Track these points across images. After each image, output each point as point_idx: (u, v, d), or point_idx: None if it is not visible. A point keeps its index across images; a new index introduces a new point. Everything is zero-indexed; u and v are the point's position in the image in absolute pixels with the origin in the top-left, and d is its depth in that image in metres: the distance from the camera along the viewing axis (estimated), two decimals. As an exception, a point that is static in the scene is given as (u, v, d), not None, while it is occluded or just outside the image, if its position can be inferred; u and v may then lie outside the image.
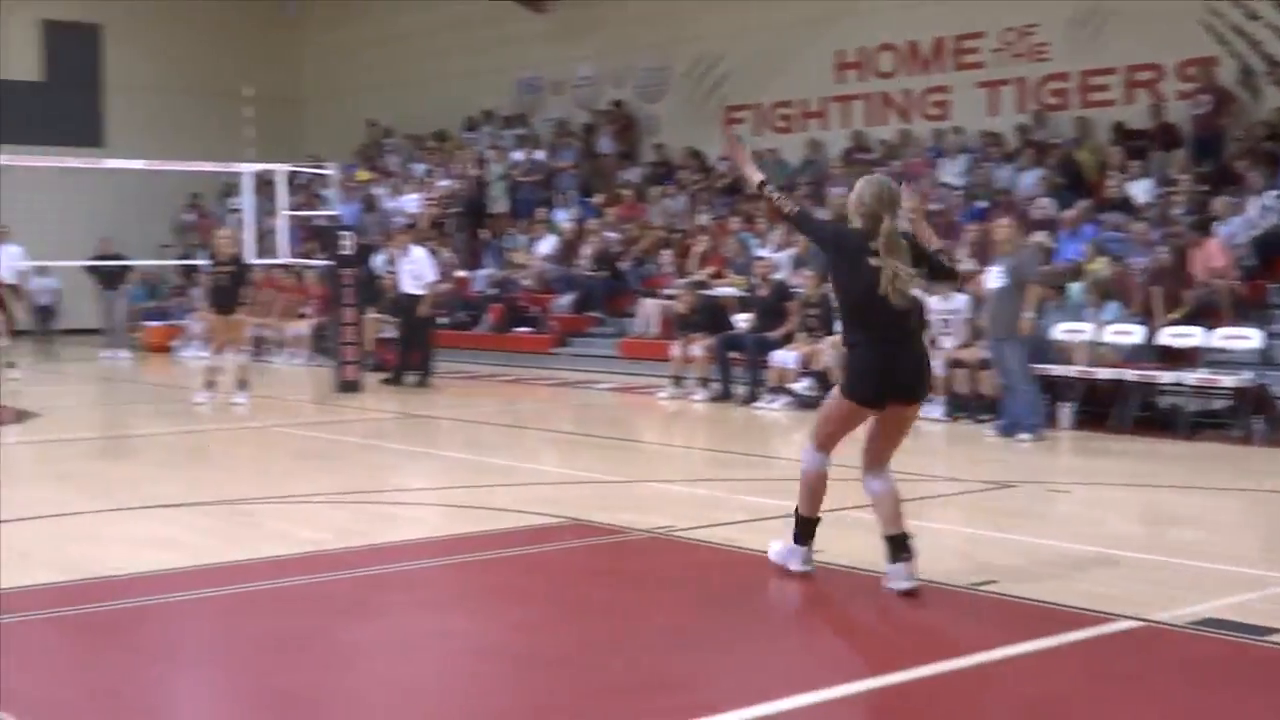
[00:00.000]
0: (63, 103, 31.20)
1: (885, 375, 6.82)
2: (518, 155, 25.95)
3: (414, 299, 18.42)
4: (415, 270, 18.52)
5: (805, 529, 7.21)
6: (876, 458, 7.02)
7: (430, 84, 29.58)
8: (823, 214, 16.11)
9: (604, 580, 7.50)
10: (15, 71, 30.73)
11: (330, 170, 22.08)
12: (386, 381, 18.29)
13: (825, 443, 7.10)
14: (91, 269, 24.32)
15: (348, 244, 17.89)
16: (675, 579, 7.43)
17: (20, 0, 30.64)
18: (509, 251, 23.97)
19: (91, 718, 5.26)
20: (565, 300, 22.08)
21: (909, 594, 6.78)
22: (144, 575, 7.44)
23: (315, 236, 24.58)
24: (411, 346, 18.66)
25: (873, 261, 6.72)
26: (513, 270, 23.27)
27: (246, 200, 19.14)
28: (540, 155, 25.85)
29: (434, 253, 22.29)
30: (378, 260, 21.32)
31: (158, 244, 29.75)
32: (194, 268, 25.63)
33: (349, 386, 17.64)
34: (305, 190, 26.64)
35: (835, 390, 7.14)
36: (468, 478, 11.08)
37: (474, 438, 13.79)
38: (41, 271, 26.08)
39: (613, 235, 22.53)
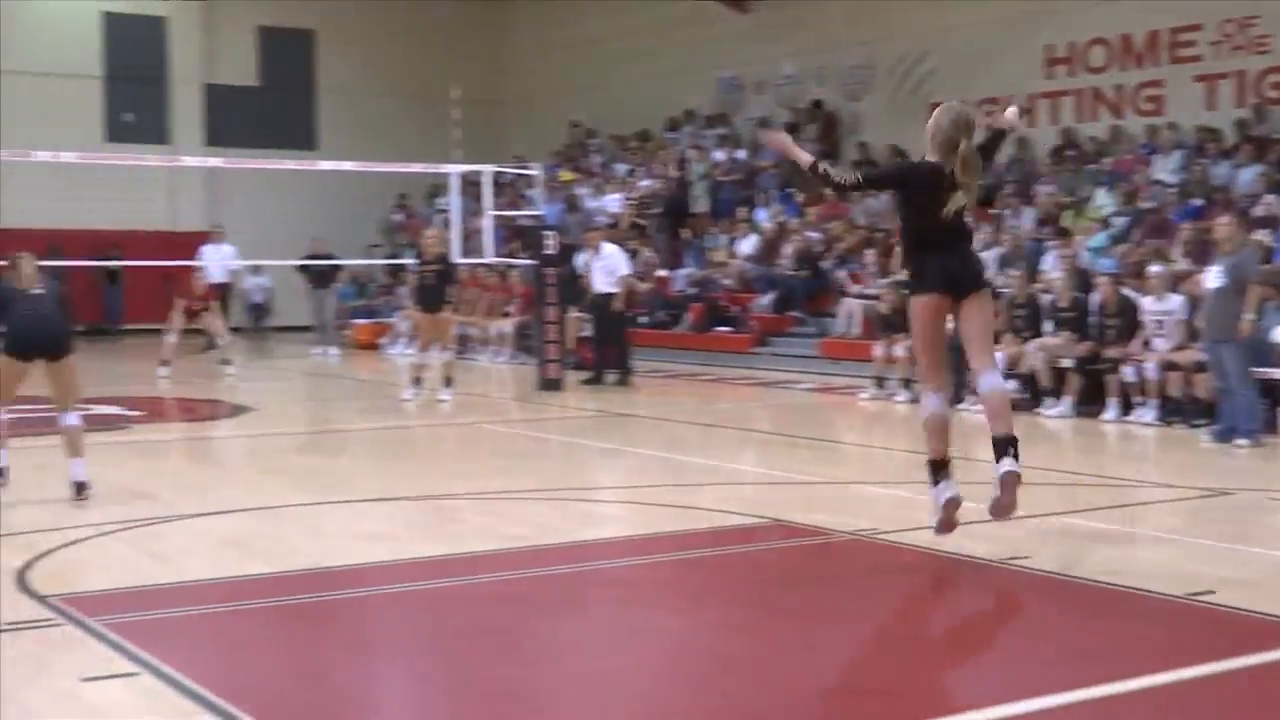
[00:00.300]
0: (277, 106, 32.22)
1: (947, 273, 7.34)
2: (719, 155, 25.95)
3: (607, 297, 18.53)
4: (607, 268, 18.64)
5: (934, 470, 7.49)
6: (975, 358, 7.44)
7: (632, 84, 29.75)
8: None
9: (807, 582, 7.41)
10: (232, 76, 31.83)
11: (535, 171, 22.33)
12: (587, 382, 18.42)
13: (929, 373, 7.56)
14: (303, 268, 25.02)
15: (551, 243, 18.06)
16: (878, 582, 7.32)
17: (237, 7, 31.70)
18: (710, 251, 23.97)
19: (304, 705, 5.37)
20: (766, 300, 21.99)
21: (1011, 477, 7.04)
22: (354, 567, 7.59)
23: (519, 236, 24.93)
24: (606, 344, 18.78)
25: (944, 187, 7.21)
26: (713, 270, 23.26)
27: (453, 201, 19.46)
28: (742, 154, 25.80)
29: (633, 253, 22.43)
30: (579, 260, 21.49)
31: (366, 244, 30.48)
32: (401, 267, 26.24)
33: (551, 385, 17.81)
34: (510, 190, 27.01)
35: (911, 308, 7.55)
36: (668, 477, 11.09)
37: (674, 437, 13.80)
38: (255, 270, 26.92)
39: (814, 234, 22.37)
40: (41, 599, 6.70)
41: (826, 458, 12.66)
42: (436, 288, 16.38)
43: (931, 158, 7.33)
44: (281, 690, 5.49)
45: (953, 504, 7.42)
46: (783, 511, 9.11)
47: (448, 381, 16.36)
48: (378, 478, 10.93)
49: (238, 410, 15.91)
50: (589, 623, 6.58)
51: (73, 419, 9.83)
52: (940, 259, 7.37)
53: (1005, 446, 7.12)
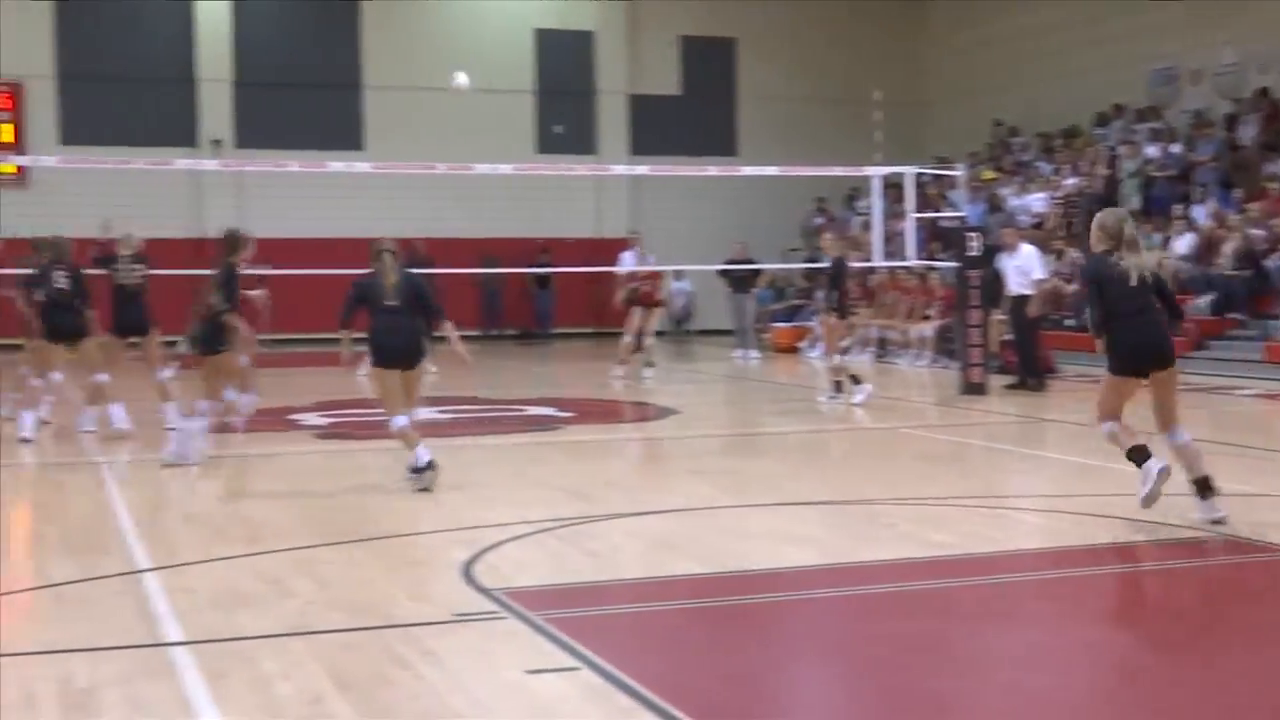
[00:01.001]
0: (698, 114, 32.87)
1: (1138, 349, 8.55)
2: (1152, 150, 24.82)
3: (1022, 300, 18.01)
4: (1022, 269, 18.10)
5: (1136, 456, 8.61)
6: (1164, 420, 8.66)
7: (1058, 80, 28.85)
8: None
9: (1260, 602, 6.97)
10: (655, 86, 32.65)
11: (957, 171, 21.94)
12: (1009, 387, 17.92)
13: (1106, 413, 8.81)
14: (723, 273, 25.41)
15: (974, 245, 17.69)
16: (1341, 605, 6.81)
17: (661, 19, 32.52)
18: (1141, 250, 22.94)
19: (730, 705, 5.40)
20: (1203, 301, 20.90)
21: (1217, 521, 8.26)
22: (782, 570, 7.62)
23: (938, 238, 24.55)
24: (1024, 348, 18.25)
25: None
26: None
27: (874, 203, 19.32)
28: (1176, 149, 24.61)
29: (1058, 254, 21.73)
30: (1002, 261, 20.95)
31: (785, 247, 30.71)
32: (819, 270, 26.24)
33: (973, 389, 17.44)
34: (931, 191, 26.67)
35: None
36: (1094, 485, 10.66)
37: (1097, 444, 13.20)
38: (676, 276, 27.52)
39: (1257, 232, 21.10)
40: (486, 592, 7.00)
41: (1274, 468, 11.89)
42: (827, 291, 16.57)
43: None
44: (715, 692, 5.54)
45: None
46: (1227, 526, 8.60)
47: (856, 382, 16.30)
48: (801, 481, 10.96)
49: (665, 412, 16.27)
50: (1023, 635, 6.38)
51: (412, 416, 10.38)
52: (1137, 333, 8.60)
53: (1207, 485, 8.65)
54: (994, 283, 18.97)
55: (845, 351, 17.29)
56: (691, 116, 32.73)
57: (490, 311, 31.49)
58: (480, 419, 15.61)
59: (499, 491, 10.60)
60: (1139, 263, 8.52)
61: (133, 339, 13.82)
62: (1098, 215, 9.06)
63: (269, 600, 6.96)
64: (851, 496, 10.02)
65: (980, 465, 12.39)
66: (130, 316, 13.57)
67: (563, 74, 31.98)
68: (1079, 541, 8.50)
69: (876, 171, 19.20)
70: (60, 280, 13.25)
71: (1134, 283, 8.48)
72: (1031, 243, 19.20)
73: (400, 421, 10.26)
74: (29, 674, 5.73)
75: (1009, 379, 18.36)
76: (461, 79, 16.44)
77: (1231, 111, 24.93)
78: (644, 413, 16.59)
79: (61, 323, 13.23)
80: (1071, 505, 9.76)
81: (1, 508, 9.90)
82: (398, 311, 10.30)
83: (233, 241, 11.99)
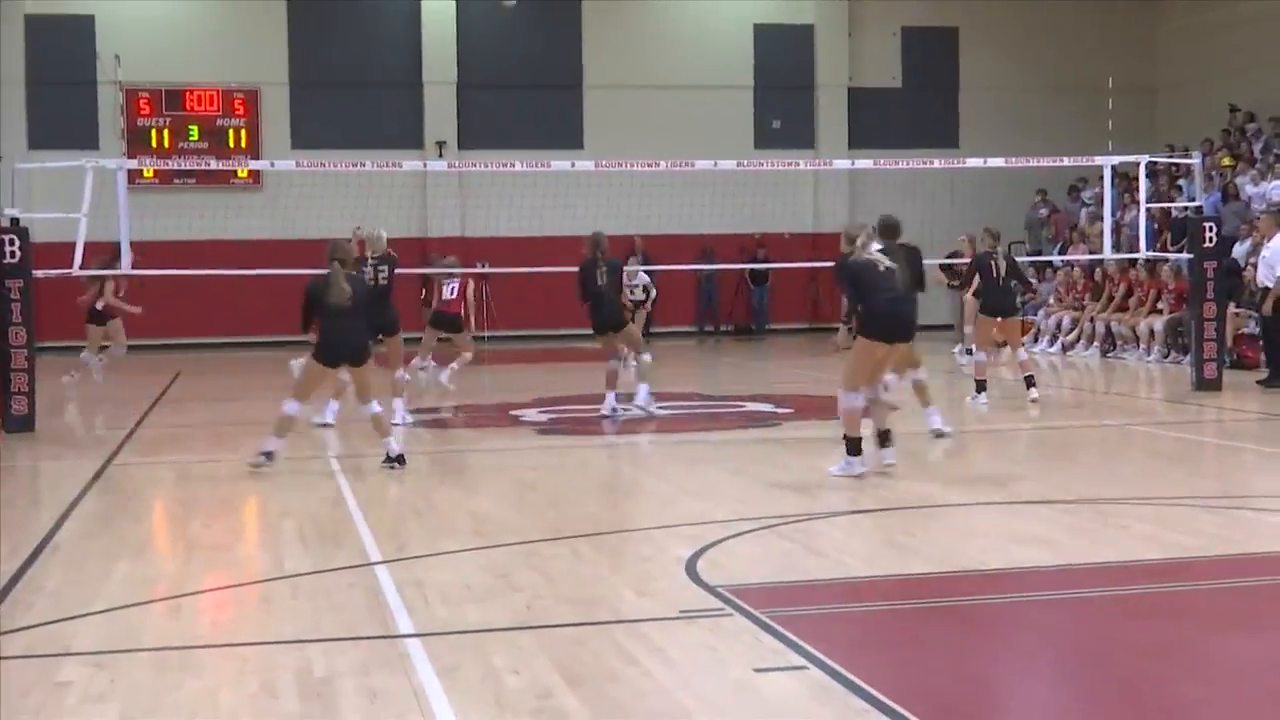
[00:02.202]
0: (918, 106, 32.37)
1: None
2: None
3: (1269, 292, 17.25)
4: (1272, 260, 17.34)
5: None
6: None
7: (1296, 63, 27.65)
8: None
9: None
10: (875, 79, 32.27)
11: (1193, 160, 21.18)
12: (1263, 383, 17.15)
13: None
14: (945, 267, 24.95)
15: (1210, 235, 17.06)
16: None
17: (881, 10, 32.12)
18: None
19: (963, 708, 5.28)
20: None
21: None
22: (1014, 570, 7.44)
23: (1170, 228, 23.75)
24: (1274, 343, 17.50)
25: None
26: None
27: (1106, 193, 18.76)
28: None
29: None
30: (1239, 251, 20.21)
31: (1010, 240, 30.02)
32: (1048, 263, 25.67)
33: (1208, 384, 16.82)
34: (1163, 180, 25.82)
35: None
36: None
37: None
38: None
39: None
40: (711, 589, 6.97)
41: None
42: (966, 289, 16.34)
43: None
44: (947, 695, 5.42)
45: None
46: None
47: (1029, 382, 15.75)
48: (1028, 479, 10.68)
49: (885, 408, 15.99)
50: (1269, 642, 6.10)
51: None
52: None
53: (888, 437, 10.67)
54: (1230, 275, 18.28)
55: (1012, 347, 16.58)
56: (911, 108, 32.24)
57: (707, 308, 31.53)
58: (700, 415, 15.61)
59: (721, 487, 10.57)
60: None
61: (379, 338, 14.11)
62: None
63: (497, 594, 7.04)
64: (1082, 495, 9.72)
65: (1216, 464, 11.95)
66: (379, 316, 13.87)
67: (781, 69, 31.78)
68: (1329, 545, 8.12)
69: (1107, 161, 18.59)
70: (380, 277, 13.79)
71: None
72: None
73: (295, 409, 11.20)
74: (268, 663, 5.89)
75: (1250, 374, 17.63)
76: None
77: None
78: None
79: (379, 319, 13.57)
80: (1319, 506, 9.33)
81: (241, 500, 10.26)
82: (347, 313, 11.09)
83: (594, 242, 14.45)
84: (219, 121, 29.27)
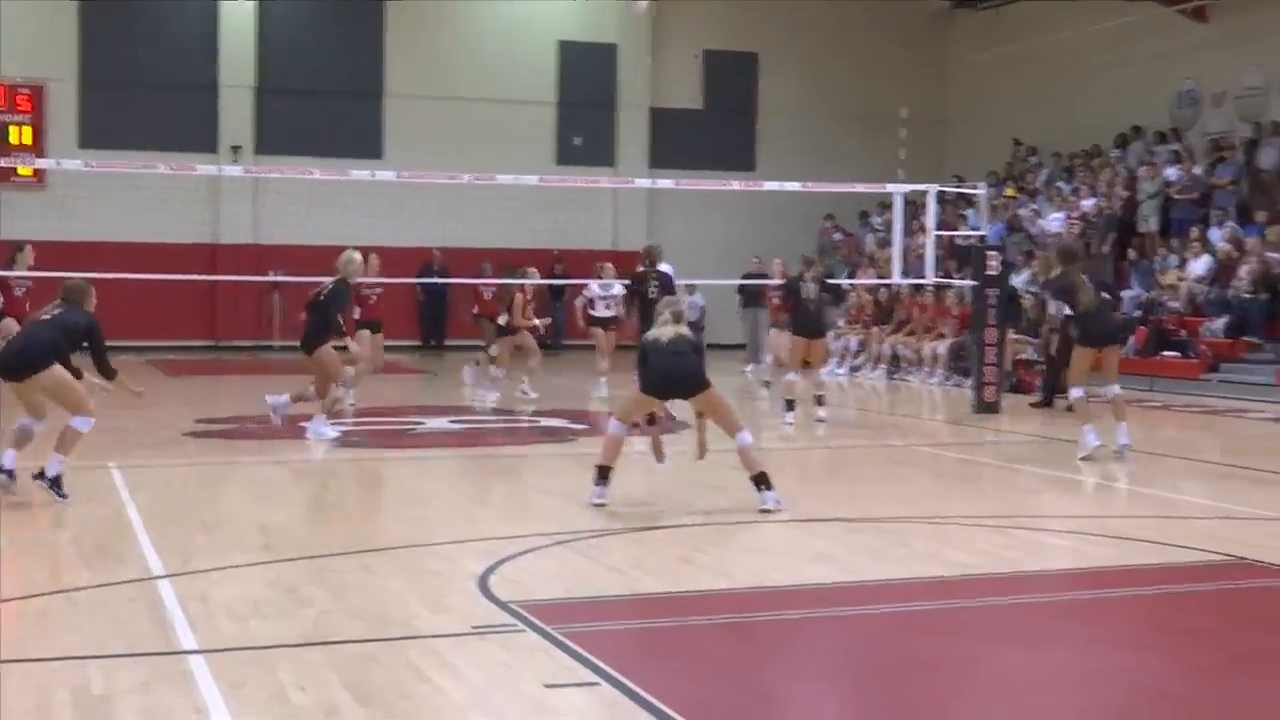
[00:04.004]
0: (718, 129, 32.82)
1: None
2: (1172, 172, 24.73)
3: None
4: None
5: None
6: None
7: (1079, 100, 28.76)
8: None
9: (1282, 629, 6.92)
10: (677, 100, 32.63)
11: (979, 190, 21.90)
12: (1035, 405, 17.82)
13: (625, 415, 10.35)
14: (739, 288, 25.33)
15: (993, 263, 17.66)
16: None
17: (684, 33, 32.51)
18: (1159, 272, 22.89)
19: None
20: (1218, 324, 20.83)
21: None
22: (799, 588, 7.57)
23: (956, 255, 24.49)
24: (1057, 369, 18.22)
25: None
26: (1162, 292, 22.21)
27: (896, 220, 19.28)
28: (1197, 171, 24.53)
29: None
30: (1018, 280, 20.95)
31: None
32: (838, 287, 26.10)
33: (988, 407, 17.40)
34: (950, 210, 26.62)
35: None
36: (1118, 506, 10.63)
37: (1114, 465, 13.16)
38: (690, 289, 27.43)
39: (1274, 256, 21.02)
40: (503, 604, 6.96)
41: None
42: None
43: None
44: (735, 710, 5.50)
45: None
46: (1246, 549, 8.55)
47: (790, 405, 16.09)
48: (817, 498, 10.89)
49: (679, 426, 16.16)
50: (1044, 659, 6.33)
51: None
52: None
53: (765, 480, 9.92)
54: (1010, 302, 18.94)
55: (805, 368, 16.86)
56: (712, 131, 32.67)
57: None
58: (497, 429, 15.58)
59: (516, 503, 10.57)
60: None
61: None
62: None
63: (285, 609, 6.93)
64: (867, 514, 9.96)
65: (995, 484, 12.34)
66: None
67: (585, 86, 31.93)
68: (1098, 563, 8.45)
69: (899, 189, 19.13)
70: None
71: None
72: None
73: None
74: (44, 681, 5.69)
75: (1026, 398, 18.29)
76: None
77: (1252, 136, 24.84)
78: (661, 426, 16.48)
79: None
80: (1088, 526, 9.70)
81: (12, 511, 9.90)
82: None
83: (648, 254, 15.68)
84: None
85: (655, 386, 10.17)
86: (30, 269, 16.79)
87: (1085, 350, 13.20)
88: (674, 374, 10.09)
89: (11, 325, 17.84)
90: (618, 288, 20.82)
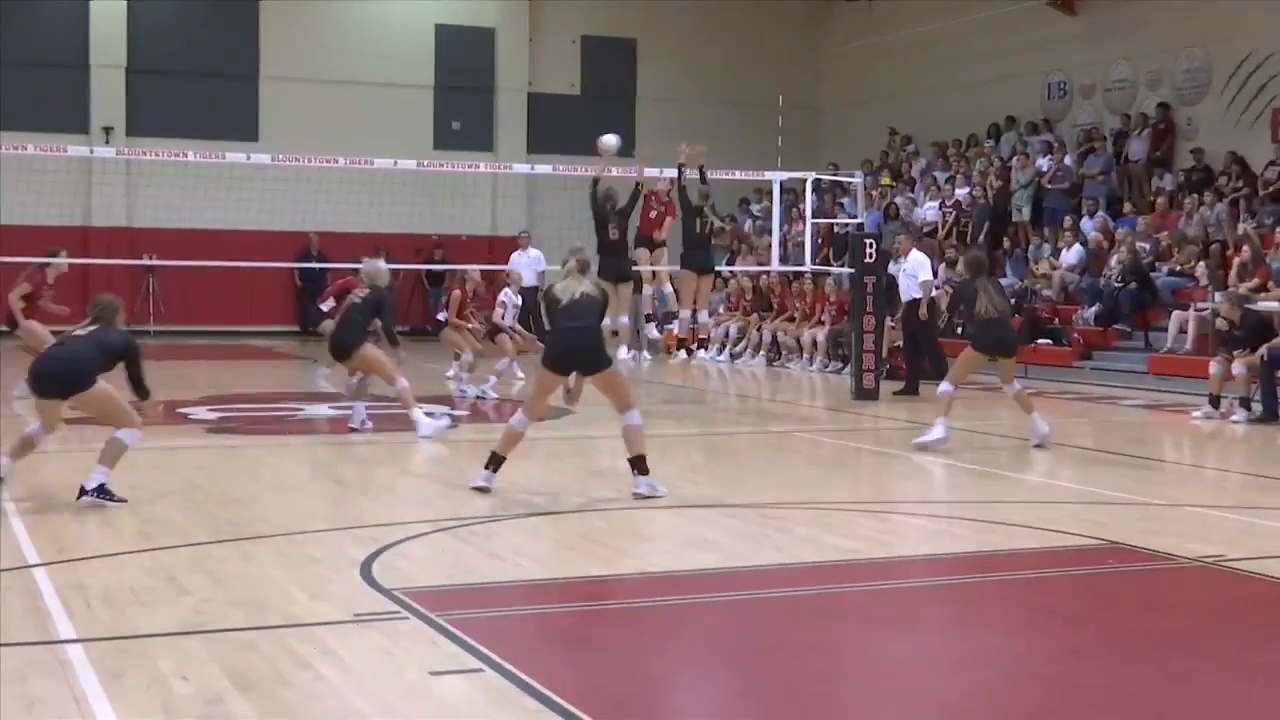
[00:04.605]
0: (597, 114, 32.79)
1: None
2: (1044, 162, 25.23)
3: (913, 305, 18.32)
4: (911, 274, 18.44)
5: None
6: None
7: (953, 90, 29.17)
8: None
9: (1152, 609, 7.12)
10: (555, 85, 32.57)
11: (855, 178, 22.16)
12: (899, 393, 18.13)
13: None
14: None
15: (870, 251, 17.89)
16: (1229, 613, 6.96)
17: (562, 18, 32.45)
18: (1032, 261, 23.36)
19: (634, 706, 5.41)
20: (1090, 312, 21.30)
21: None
22: (681, 574, 7.63)
23: (833, 243, 24.76)
24: (915, 354, 18.55)
25: None
26: (1035, 280, 22.65)
27: (775, 208, 19.45)
28: (1068, 161, 25.04)
29: (953, 262, 22.03)
30: (894, 267, 21.20)
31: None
32: (718, 274, 26.19)
33: (866, 394, 17.63)
34: (827, 198, 26.89)
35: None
36: (993, 492, 10.82)
37: (990, 452, 13.45)
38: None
39: (1144, 245, 21.55)
40: (386, 591, 6.93)
41: (1158, 478, 12.16)
42: None
43: None
44: (620, 695, 5.54)
45: None
46: (1118, 533, 8.78)
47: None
48: (698, 484, 10.99)
49: (560, 412, 16.14)
50: (920, 641, 6.45)
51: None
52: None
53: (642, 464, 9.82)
54: (888, 289, 19.22)
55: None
56: (590, 116, 32.58)
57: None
58: (375, 416, 15.44)
59: (397, 489, 10.52)
60: None
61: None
62: None
63: (163, 597, 6.84)
64: (748, 500, 10.05)
65: (872, 470, 12.52)
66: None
67: (463, 70, 31.74)
68: (974, 547, 8.62)
69: (778, 176, 19.32)
70: None
71: None
72: (924, 250, 19.45)
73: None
74: (-85, 672, 5.58)
75: (898, 385, 18.57)
76: (610, 141, 16.83)
77: (1121, 127, 25.41)
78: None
79: None
80: (965, 511, 9.88)
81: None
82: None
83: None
84: None
85: (557, 359, 10.08)
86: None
87: (976, 355, 13.30)
88: (575, 350, 10.05)
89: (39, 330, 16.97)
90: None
